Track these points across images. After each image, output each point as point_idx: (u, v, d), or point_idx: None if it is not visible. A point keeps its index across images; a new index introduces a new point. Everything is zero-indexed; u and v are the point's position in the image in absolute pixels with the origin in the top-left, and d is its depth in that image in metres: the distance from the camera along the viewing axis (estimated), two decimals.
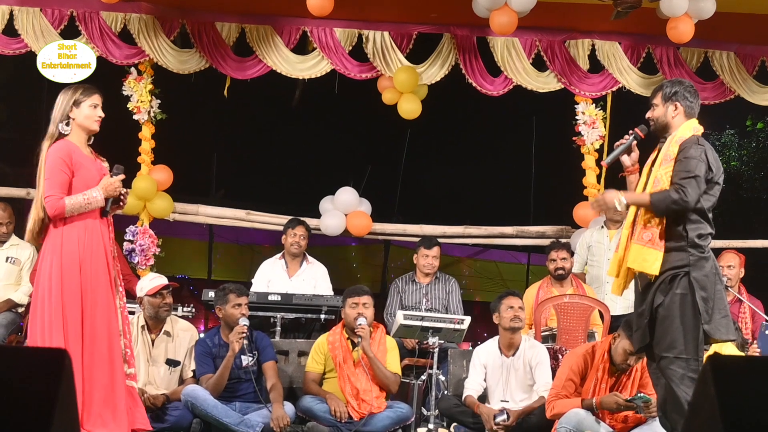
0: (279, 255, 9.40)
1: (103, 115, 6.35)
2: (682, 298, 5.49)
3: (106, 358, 6.16)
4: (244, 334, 7.33)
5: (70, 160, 6.15)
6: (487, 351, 7.60)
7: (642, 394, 6.59)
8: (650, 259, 5.54)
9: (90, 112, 6.30)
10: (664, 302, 5.51)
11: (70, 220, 6.15)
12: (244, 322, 7.37)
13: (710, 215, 5.66)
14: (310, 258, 9.40)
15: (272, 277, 9.21)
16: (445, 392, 7.82)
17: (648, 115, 5.87)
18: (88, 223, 6.18)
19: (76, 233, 6.14)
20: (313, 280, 9.22)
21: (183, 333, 7.73)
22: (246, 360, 7.42)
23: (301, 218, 9.56)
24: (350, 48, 10.09)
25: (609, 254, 9.08)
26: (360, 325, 7.47)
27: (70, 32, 9.81)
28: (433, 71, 10.17)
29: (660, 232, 5.56)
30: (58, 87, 6.69)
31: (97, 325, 6.14)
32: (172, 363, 7.60)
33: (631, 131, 5.95)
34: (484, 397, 7.52)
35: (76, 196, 6.12)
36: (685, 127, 5.72)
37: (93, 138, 6.38)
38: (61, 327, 6.02)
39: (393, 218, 11.41)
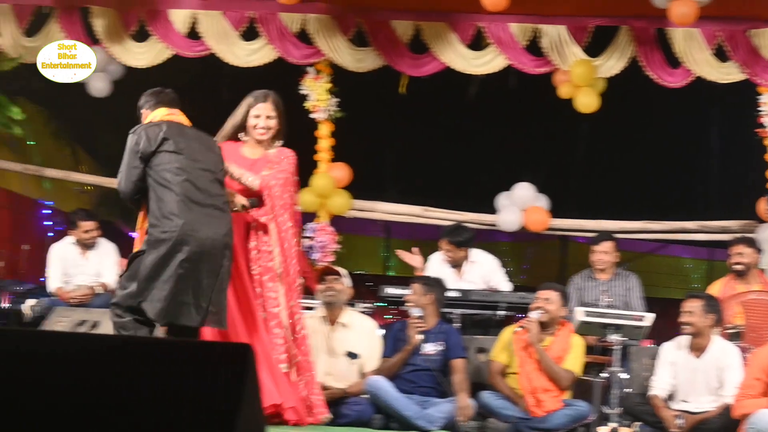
0: None
1: (264, 125, 6.46)
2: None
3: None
4: (419, 326, 7.41)
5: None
6: (676, 349, 7.42)
7: None
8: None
9: (252, 121, 6.44)
10: None
11: None
12: (416, 312, 7.45)
13: (176, 190, 5.65)
14: (472, 255, 9.14)
15: (441, 274, 9.03)
16: (628, 390, 7.68)
17: None
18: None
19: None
20: (479, 277, 9.01)
21: (362, 326, 7.79)
22: (428, 347, 7.46)
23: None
24: (526, 43, 10.02)
25: None
26: (529, 317, 7.52)
27: (250, 34, 10.10)
28: (611, 64, 10.00)
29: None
30: (239, 89, 6.84)
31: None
32: (351, 356, 7.66)
33: None
34: (668, 397, 7.35)
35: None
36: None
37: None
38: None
39: (571, 213, 11.23)
